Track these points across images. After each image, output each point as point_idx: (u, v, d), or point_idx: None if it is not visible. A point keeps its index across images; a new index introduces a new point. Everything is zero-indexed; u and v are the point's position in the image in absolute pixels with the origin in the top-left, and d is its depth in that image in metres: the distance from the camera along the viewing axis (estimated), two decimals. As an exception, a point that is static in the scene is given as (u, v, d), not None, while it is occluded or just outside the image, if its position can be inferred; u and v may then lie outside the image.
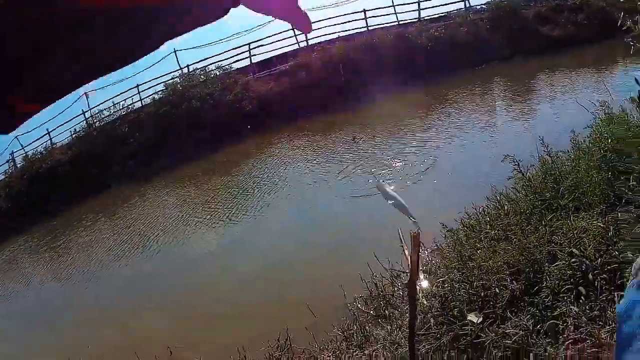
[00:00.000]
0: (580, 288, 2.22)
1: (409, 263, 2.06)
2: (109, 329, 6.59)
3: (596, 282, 2.22)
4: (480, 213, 4.23)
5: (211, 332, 5.62)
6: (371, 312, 4.42)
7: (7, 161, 24.02)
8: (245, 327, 5.38)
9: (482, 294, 2.67)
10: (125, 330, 6.44)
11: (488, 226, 3.56)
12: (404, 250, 4.98)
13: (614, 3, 16.47)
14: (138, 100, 22.38)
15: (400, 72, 17.20)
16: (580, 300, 2.19)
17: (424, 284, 4.01)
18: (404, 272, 4.75)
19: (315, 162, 11.95)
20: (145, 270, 8.69)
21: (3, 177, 22.95)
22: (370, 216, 7.25)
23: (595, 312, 2.11)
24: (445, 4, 22.23)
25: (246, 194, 11.22)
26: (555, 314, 2.23)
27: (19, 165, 22.86)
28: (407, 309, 3.71)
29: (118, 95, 22.45)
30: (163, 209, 12.57)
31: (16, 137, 23.89)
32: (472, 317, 2.45)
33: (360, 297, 4.79)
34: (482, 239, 3.36)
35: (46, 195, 18.52)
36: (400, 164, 9.56)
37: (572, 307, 2.19)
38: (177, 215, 11.45)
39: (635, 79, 6.46)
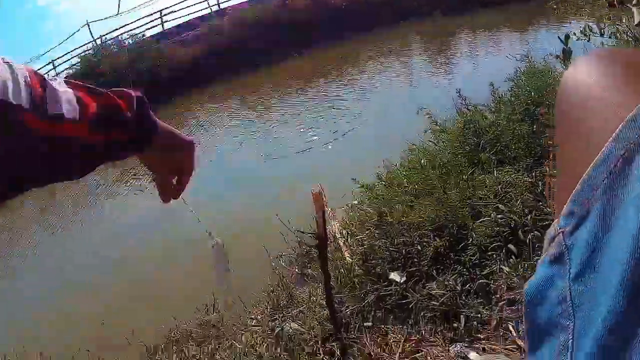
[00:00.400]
0: (510, 246, 2.20)
1: (316, 221, 1.97)
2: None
3: (527, 240, 2.21)
4: (396, 168, 4.21)
5: (139, 300, 5.46)
6: (296, 270, 4.38)
7: None
8: (172, 297, 5.24)
9: (404, 250, 2.64)
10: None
11: (405, 180, 3.52)
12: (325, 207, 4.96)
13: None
14: (54, 76, 20.94)
15: (315, 34, 17.03)
16: (511, 260, 2.17)
17: (341, 241, 4.00)
18: (310, 233, 4.71)
19: (230, 125, 11.75)
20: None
21: None
22: (287, 176, 7.21)
23: (529, 271, 2.08)
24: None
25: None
26: (484, 272, 2.21)
27: None
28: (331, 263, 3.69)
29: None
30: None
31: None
32: (394, 276, 2.42)
33: (284, 255, 4.73)
34: (400, 194, 3.32)
35: None
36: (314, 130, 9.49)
37: (502, 266, 2.17)
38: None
39: (559, 37, 6.60)
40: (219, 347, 3.24)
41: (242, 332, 3.22)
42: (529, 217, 2.32)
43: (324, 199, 1.93)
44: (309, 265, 4.25)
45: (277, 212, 5.24)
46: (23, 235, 9.58)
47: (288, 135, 9.40)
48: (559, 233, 0.41)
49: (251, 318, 3.56)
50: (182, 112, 15.20)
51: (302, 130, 9.34)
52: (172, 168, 0.85)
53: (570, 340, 0.37)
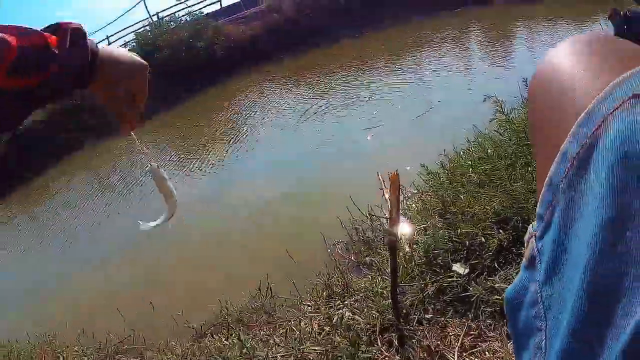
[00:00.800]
0: None
1: (389, 206, 1.94)
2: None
3: None
4: (461, 157, 4.12)
5: (189, 281, 5.56)
6: (352, 258, 4.37)
7: None
8: (224, 277, 5.32)
9: (467, 242, 2.59)
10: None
11: (470, 169, 3.45)
12: (383, 194, 4.92)
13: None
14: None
15: (376, 12, 16.84)
16: None
17: (406, 229, 3.94)
18: (384, 217, 4.68)
19: (286, 106, 11.78)
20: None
21: None
22: (344, 160, 7.16)
23: None
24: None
25: (222, 141, 11.00)
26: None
27: None
28: (388, 256, 3.65)
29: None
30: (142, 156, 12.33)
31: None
32: (457, 268, 2.37)
33: (341, 242, 4.73)
34: (465, 183, 3.25)
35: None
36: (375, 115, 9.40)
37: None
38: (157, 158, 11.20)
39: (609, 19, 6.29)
40: (272, 332, 3.25)
41: (299, 318, 3.23)
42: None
43: (399, 183, 1.89)
44: (365, 253, 4.24)
45: (333, 196, 5.25)
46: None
47: (349, 118, 9.37)
48: (531, 237, 0.42)
49: (307, 305, 3.56)
50: (241, 89, 15.31)
51: (362, 115, 9.27)
52: (126, 95, 0.82)
53: (544, 341, 0.38)
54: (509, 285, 1.41)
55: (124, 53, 0.81)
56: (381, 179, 5.08)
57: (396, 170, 1.87)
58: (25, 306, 6.58)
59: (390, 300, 2.47)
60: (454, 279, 2.37)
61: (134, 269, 6.48)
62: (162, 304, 5.08)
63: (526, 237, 0.44)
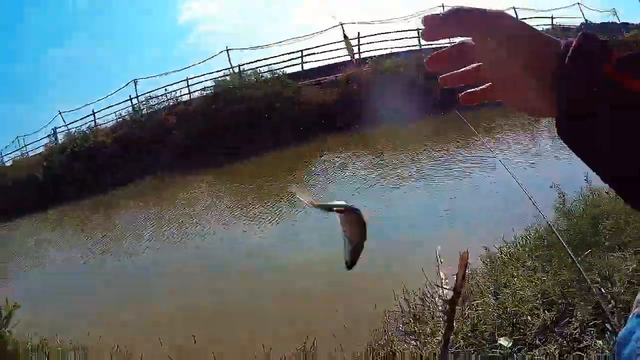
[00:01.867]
0: (607, 325, 2.25)
1: (455, 278, 2.13)
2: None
3: (619, 319, 2.25)
4: (519, 243, 4.25)
5: (238, 327, 5.73)
6: (400, 327, 4.48)
7: (49, 135, 25.12)
8: (271, 326, 5.47)
9: (514, 320, 2.72)
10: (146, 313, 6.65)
11: (526, 255, 3.60)
12: (439, 270, 5.06)
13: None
14: (187, 94, 22.85)
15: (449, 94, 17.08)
16: (606, 336, 2.22)
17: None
18: (436, 293, 4.80)
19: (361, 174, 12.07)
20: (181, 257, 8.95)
21: (43, 149, 24.08)
22: (409, 233, 7.31)
23: None
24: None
25: (287, 200, 11.36)
26: (581, 346, 2.27)
27: (60, 141, 23.73)
28: (436, 326, 3.78)
29: (166, 86, 23.12)
30: (208, 203, 12.95)
31: (60, 112, 25.11)
32: (502, 341, 2.50)
33: (392, 312, 4.85)
34: (520, 267, 3.41)
35: (86, 174, 19.23)
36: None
37: (597, 340, 2.22)
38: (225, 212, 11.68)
39: None
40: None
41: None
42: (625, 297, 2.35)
43: (468, 260, 2.10)
44: (413, 324, 4.35)
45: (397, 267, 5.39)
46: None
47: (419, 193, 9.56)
48: None
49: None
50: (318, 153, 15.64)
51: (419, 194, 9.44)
52: None
53: None
54: (547, 358, 1.60)
55: None
56: (438, 256, 5.25)
57: (467, 249, 2.10)
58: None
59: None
60: (498, 350, 2.50)
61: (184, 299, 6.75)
62: (204, 343, 5.27)
63: (637, 298, 0.63)
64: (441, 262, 5.20)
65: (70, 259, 10.77)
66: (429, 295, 4.89)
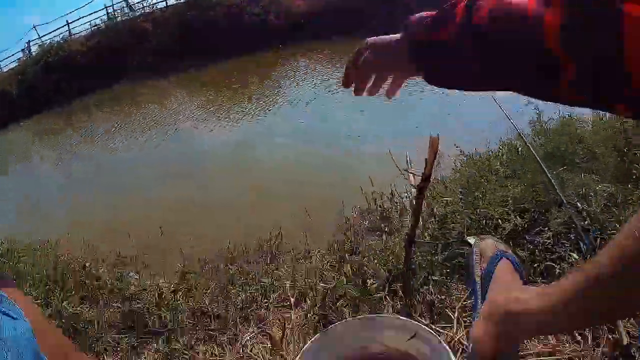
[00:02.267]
0: (581, 244, 2.25)
1: (425, 163, 2.06)
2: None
3: (596, 242, 2.25)
4: (492, 154, 4.24)
5: (204, 221, 5.74)
6: (366, 223, 4.53)
7: (23, 49, 24.00)
8: (238, 222, 5.50)
9: (484, 222, 2.73)
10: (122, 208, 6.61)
11: (498, 163, 3.60)
12: (408, 175, 5.06)
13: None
14: (163, 0, 22.30)
15: None
16: (582, 249, 2.22)
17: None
18: (405, 193, 4.84)
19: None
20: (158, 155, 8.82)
21: (17, 64, 23.17)
22: (380, 136, 7.27)
23: None
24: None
25: (259, 101, 11.16)
26: (553, 257, 2.27)
27: (34, 54, 22.82)
28: (403, 222, 3.82)
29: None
30: (182, 105, 12.70)
31: (34, 26, 24.58)
32: (470, 239, 2.50)
33: (359, 207, 4.89)
34: (492, 174, 3.40)
35: (60, 85, 18.57)
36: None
37: (572, 253, 2.23)
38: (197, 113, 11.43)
39: None
40: (277, 269, 3.38)
41: (307, 261, 3.38)
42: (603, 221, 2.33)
43: (438, 147, 2.02)
44: (383, 223, 4.39)
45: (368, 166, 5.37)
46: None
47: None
48: None
49: (315, 256, 3.70)
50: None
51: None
52: None
53: None
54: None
55: None
56: (408, 160, 5.23)
57: (437, 134, 2.00)
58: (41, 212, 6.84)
59: (400, 254, 2.63)
60: (465, 249, 2.51)
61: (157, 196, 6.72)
62: (171, 231, 5.29)
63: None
64: (410, 167, 5.20)
65: (44, 165, 10.49)
66: (396, 195, 4.93)
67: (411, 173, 4.96)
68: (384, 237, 3.44)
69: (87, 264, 3.98)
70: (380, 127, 7.87)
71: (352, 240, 3.67)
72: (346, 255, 3.08)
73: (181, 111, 11.42)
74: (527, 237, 2.48)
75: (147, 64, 18.27)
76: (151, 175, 7.85)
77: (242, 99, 11.94)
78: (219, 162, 7.74)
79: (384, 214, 4.54)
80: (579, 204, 2.50)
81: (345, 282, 2.56)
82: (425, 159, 2.12)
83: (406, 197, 4.76)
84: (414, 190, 4.75)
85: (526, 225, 2.55)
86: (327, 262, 3.01)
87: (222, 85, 13.87)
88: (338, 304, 2.43)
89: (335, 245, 3.65)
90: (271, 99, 11.22)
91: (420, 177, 2.17)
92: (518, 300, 1.06)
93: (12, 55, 24.58)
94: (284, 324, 2.41)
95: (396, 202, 4.71)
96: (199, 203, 6.30)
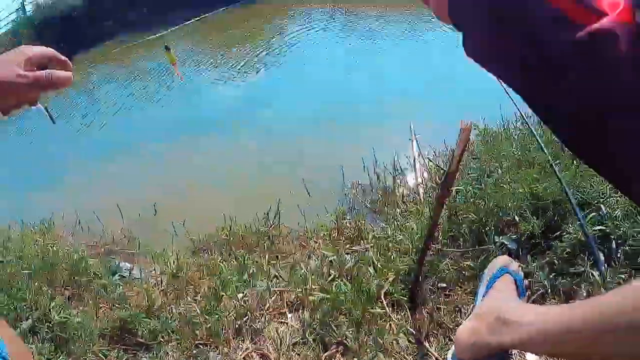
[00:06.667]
0: (600, 255, 2.01)
1: (453, 156, 1.77)
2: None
3: (619, 253, 2.02)
4: (506, 130, 3.97)
5: (199, 195, 5.53)
6: (367, 204, 4.31)
7: (17, 10, 23.15)
8: (235, 195, 5.28)
9: (496, 219, 2.50)
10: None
11: (514, 145, 3.32)
12: (412, 145, 4.81)
13: None
14: None
15: None
16: (603, 267, 1.99)
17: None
18: (407, 169, 4.62)
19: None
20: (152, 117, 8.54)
21: (11, 25, 22.28)
22: (382, 100, 6.92)
23: (615, 286, 1.86)
24: None
25: (259, 56, 10.69)
26: (572, 270, 2.05)
27: (29, 14, 21.70)
28: (406, 210, 3.59)
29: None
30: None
31: None
32: (506, 241, 2.30)
33: (360, 185, 4.67)
34: (507, 157, 3.14)
35: (56, 43, 18.07)
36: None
37: (593, 271, 1.99)
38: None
39: None
40: (274, 262, 3.19)
41: (306, 256, 3.17)
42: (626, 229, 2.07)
43: (470, 135, 1.72)
44: (382, 202, 4.18)
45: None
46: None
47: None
48: None
49: (314, 241, 3.51)
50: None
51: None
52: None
53: None
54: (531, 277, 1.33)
55: (6, 71, 0.89)
56: (412, 129, 4.97)
57: (470, 122, 1.68)
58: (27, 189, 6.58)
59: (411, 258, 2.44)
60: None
61: (146, 168, 6.48)
62: (166, 210, 5.09)
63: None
64: (414, 137, 4.96)
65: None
66: (399, 170, 4.69)
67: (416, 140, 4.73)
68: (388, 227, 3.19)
69: (77, 255, 3.80)
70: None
71: (351, 227, 3.44)
72: (345, 253, 2.85)
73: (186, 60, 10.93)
74: (545, 244, 2.25)
75: (145, 17, 17.71)
76: (149, 135, 7.56)
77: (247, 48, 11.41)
78: (214, 128, 7.41)
79: (387, 193, 4.31)
80: (602, 208, 2.24)
81: (344, 290, 2.36)
82: (453, 152, 1.82)
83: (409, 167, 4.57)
84: (417, 161, 4.56)
85: (543, 229, 2.31)
86: (326, 257, 2.78)
87: (228, 31, 13.33)
88: (338, 320, 2.24)
89: (335, 234, 3.43)
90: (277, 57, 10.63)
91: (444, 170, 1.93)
92: (514, 310, 1.13)
93: (7, 16, 24.13)
94: (279, 341, 2.24)
95: (399, 182, 4.48)
96: (198, 174, 6.04)
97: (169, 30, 14.85)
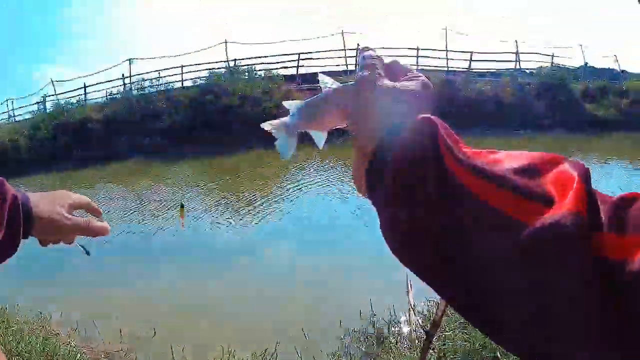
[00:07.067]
0: None
1: (436, 309, 2.04)
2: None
3: None
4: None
5: (199, 328, 5.62)
6: (362, 348, 4.46)
7: (38, 103, 24.84)
8: (234, 327, 5.39)
9: (485, 355, 2.70)
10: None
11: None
12: (408, 296, 5.04)
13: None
14: (179, 81, 22.68)
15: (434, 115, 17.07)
16: None
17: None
18: (404, 318, 4.80)
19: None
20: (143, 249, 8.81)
21: (30, 116, 23.87)
22: (382, 250, 7.20)
23: None
24: (497, 61, 22.52)
25: (259, 202, 11.27)
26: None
27: (48, 110, 23.38)
28: (400, 355, 3.75)
29: (161, 70, 22.91)
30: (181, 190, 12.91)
31: (51, 81, 25.14)
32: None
33: (355, 332, 4.83)
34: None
35: (70, 149, 19.03)
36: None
37: None
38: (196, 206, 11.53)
39: None
40: None
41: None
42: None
43: None
44: (377, 349, 4.33)
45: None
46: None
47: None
48: None
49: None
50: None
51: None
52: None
53: None
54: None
55: (53, 212, 1.01)
56: (409, 282, 5.23)
57: None
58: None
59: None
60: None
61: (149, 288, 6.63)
62: (165, 336, 5.16)
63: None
64: (411, 287, 5.19)
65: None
66: (394, 319, 4.88)
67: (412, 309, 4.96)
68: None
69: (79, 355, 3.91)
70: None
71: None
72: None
73: (186, 200, 11.40)
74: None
75: (159, 144, 18.55)
76: (147, 264, 7.76)
77: (249, 193, 12.00)
78: (218, 261, 7.65)
79: (381, 339, 4.48)
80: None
81: None
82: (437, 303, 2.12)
83: (405, 322, 4.75)
84: (412, 317, 4.76)
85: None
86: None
87: (231, 175, 14.04)
88: None
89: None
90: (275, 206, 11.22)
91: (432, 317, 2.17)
92: None
93: (29, 105, 25.54)
94: None
95: (393, 330, 4.67)
96: (197, 303, 6.16)
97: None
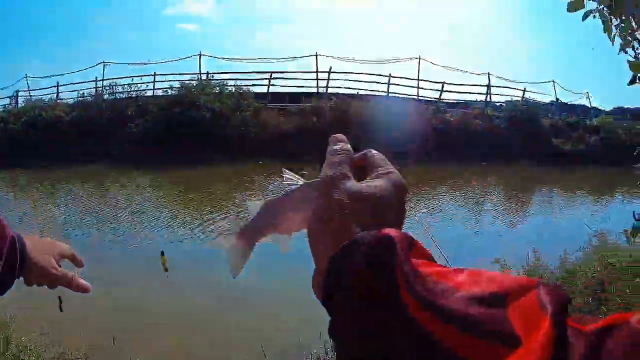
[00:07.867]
0: None
1: None
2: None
3: None
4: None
5: (160, 339, 5.54)
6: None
7: (10, 97, 24.80)
8: (199, 339, 5.34)
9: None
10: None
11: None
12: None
13: (634, 132, 17.57)
14: (150, 89, 23.08)
15: (403, 143, 17.16)
16: None
17: None
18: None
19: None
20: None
21: (2, 110, 23.89)
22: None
23: None
24: (468, 92, 22.92)
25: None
26: None
27: (19, 105, 23.76)
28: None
29: (133, 77, 23.16)
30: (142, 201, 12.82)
31: (26, 76, 25.46)
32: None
33: (317, 355, 4.82)
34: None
35: (38, 146, 18.96)
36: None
37: None
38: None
39: (634, 214, 6.70)
40: None
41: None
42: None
43: None
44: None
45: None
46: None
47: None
48: None
49: None
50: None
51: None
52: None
53: None
54: None
55: (45, 260, 1.08)
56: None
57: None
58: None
59: None
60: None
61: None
62: (123, 346, 5.08)
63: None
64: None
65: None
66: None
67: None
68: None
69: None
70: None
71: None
72: None
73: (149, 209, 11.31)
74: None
75: (125, 150, 18.45)
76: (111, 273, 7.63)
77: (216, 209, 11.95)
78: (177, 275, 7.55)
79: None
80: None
81: None
82: None
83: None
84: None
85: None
86: None
87: (200, 191, 13.98)
88: None
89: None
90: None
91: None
92: None
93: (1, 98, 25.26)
94: None
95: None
96: (160, 312, 6.05)
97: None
